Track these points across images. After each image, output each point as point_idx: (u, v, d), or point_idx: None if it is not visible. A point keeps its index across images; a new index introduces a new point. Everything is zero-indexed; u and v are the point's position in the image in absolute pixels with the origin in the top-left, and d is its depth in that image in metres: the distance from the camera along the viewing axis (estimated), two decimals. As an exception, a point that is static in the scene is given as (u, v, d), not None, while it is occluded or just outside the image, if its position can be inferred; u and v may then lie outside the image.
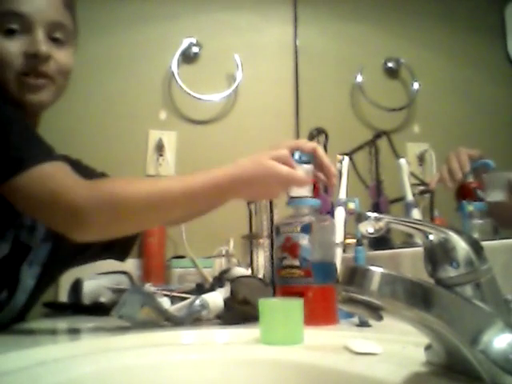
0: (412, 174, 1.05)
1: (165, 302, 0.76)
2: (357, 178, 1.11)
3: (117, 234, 0.73)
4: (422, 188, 1.07)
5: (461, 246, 0.37)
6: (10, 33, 0.77)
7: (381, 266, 0.35)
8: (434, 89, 1.21)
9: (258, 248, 1.19)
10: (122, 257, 1.02)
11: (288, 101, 1.71)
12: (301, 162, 0.74)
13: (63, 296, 1.20)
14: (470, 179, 0.88)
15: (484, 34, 1.06)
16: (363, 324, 0.68)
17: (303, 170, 0.73)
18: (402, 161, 1.03)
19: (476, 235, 0.80)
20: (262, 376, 0.51)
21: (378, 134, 1.12)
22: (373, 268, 0.35)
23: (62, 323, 0.94)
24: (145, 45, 1.63)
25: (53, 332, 0.81)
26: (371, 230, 0.39)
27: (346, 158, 1.00)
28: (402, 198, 1.02)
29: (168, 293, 0.85)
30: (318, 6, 1.74)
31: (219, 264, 1.34)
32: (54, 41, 0.80)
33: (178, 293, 0.86)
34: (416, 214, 1.00)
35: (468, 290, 0.36)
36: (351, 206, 0.91)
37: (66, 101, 0.87)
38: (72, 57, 0.84)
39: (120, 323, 0.69)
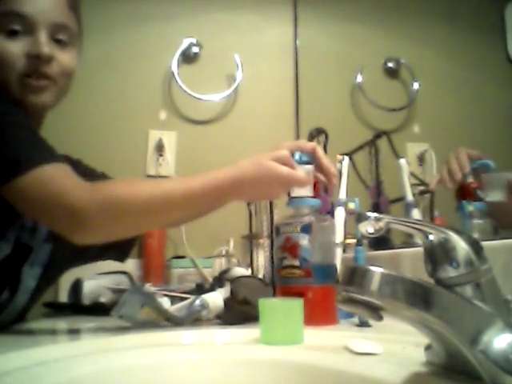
0: (412, 174, 1.05)
1: (165, 302, 0.76)
2: (357, 178, 1.11)
3: (117, 237, 0.73)
4: (421, 188, 1.07)
5: (461, 246, 0.37)
6: (13, 34, 0.76)
7: (381, 266, 0.35)
8: (434, 89, 1.21)
9: (257, 248, 1.19)
10: (121, 257, 1.02)
11: (288, 101, 1.71)
12: (301, 162, 0.74)
13: (63, 296, 1.20)
14: (470, 179, 0.88)
15: (484, 34, 1.06)
16: (363, 324, 0.68)
17: (303, 171, 0.73)
18: (402, 161, 1.03)
19: (476, 235, 0.80)
20: (261, 376, 0.51)
21: (378, 134, 1.12)
22: (373, 268, 0.35)
23: (62, 323, 0.94)
24: (145, 45, 1.63)
25: (53, 332, 0.82)
26: (371, 230, 0.39)
27: (346, 158, 1.00)
28: (401, 198, 1.02)
29: (168, 293, 0.85)
30: (318, 6, 1.74)
31: (219, 264, 1.34)
32: (58, 42, 0.80)
33: (178, 293, 0.86)
34: (416, 214, 1.00)
35: (468, 290, 0.36)
36: (351, 206, 0.91)
37: (66, 101, 0.87)
38: (75, 58, 0.84)
39: (120, 323, 0.69)
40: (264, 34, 1.75)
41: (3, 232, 0.78)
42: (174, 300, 0.79)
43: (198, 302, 0.73)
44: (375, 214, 0.39)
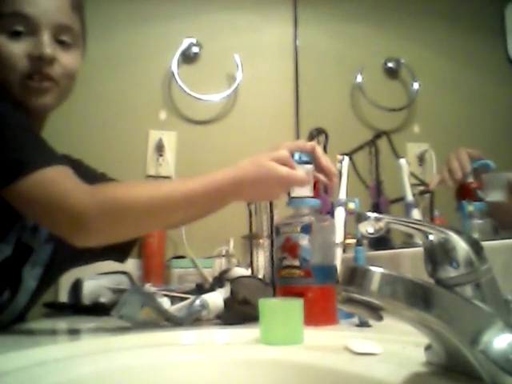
0: (412, 174, 1.05)
1: (165, 302, 0.76)
2: (357, 178, 1.11)
3: (118, 239, 0.73)
4: (421, 188, 1.07)
5: (461, 246, 0.37)
6: (16, 35, 0.76)
7: (381, 266, 0.35)
8: (434, 89, 1.21)
9: (257, 248, 1.19)
10: (121, 258, 1.02)
11: (288, 101, 1.71)
12: (301, 162, 0.74)
13: (63, 296, 1.20)
14: (470, 179, 0.88)
15: (484, 34, 1.06)
16: (363, 324, 0.68)
17: (303, 171, 0.73)
18: (402, 161, 1.03)
19: (476, 235, 0.80)
20: (261, 376, 0.51)
21: (378, 134, 1.12)
22: (373, 268, 0.35)
23: (62, 323, 0.94)
24: (145, 45, 1.63)
25: (53, 332, 0.82)
26: (371, 230, 0.39)
27: (346, 158, 1.00)
28: (401, 198, 1.02)
29: (168, 293, 0.85)
30: (318, 5, 1.74)
31: (219, 264, 1.34)
32: (61, 43, 0.79)
33: (178, 293, 0.86)
34: (416, 214, 1.00)
35: (468, 290, 0.36)
36: (351, 206, 0.91)
37: (66, 101, 0.87)
38: (79, 60, 0.84)
39: (120, 323, 0.69)
40: (264, 34, 1.75)
41: (4, 234, 0.78)
42: (174, 300, 0.79)
43: (197, 302, 0.73)
44: (375, 214, 0.39)
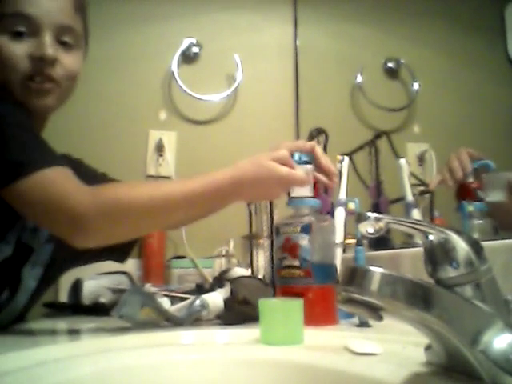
0: (412, 175, 1.05)
1: (165, 303, 0.76)
2: (357, 178, 1.11)
3: (118, 240, 0.73)
4: (421, 188, 1.07)
5: (461, 246, 0.37)
6: (18, 35, 0.75)
7: (381, 267, 0.35)
8: (434, 89, 1.21)
9: (258, 248, 1.19)
10: (121, 258, 1.02)
11: (288, 101, 1.71)
12: (300, 162, 0.74)
13: (63, 296, 1.20)
14: (471, 179, 0.88)
15: (484, 34, 1.06)
16: (363, 324, 0.68)
17: (303, 170, 0.73)
18: (402, 161, 1.03)
19: (476, 235, 0.80)
20: (261, 376, 0.51)
21: (378, 134, 1.12)
22: (373, 268, 0.35)
23: (62, 323, 0.94)
24: (145, 45, 1.63)
25: (53, 332, 0.82)
26: (371, 230, 0.39)
27: (346, 158, 1.00)
28: (401, 199, 1.02)
29: (168, 293, 0.85)
30: (318, 5, 1.74)
31: (219, 264, 1.34)
32: (63, 44, 0.79)
33: (178, 293, 0.86)
34: (416, 214, 1.00)
35: (468, 291, 0.36)
36: (351, 206, 0.91)
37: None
38: (80, 61, 0.83)
39: (120, 323, 0.69)
40: (264, 34, 1.75)
41: (4, 234, 0.78)
42: (173, 300, 0.79)
43: (197, 302, 0.73)
44: (375, 214, 0.39)
